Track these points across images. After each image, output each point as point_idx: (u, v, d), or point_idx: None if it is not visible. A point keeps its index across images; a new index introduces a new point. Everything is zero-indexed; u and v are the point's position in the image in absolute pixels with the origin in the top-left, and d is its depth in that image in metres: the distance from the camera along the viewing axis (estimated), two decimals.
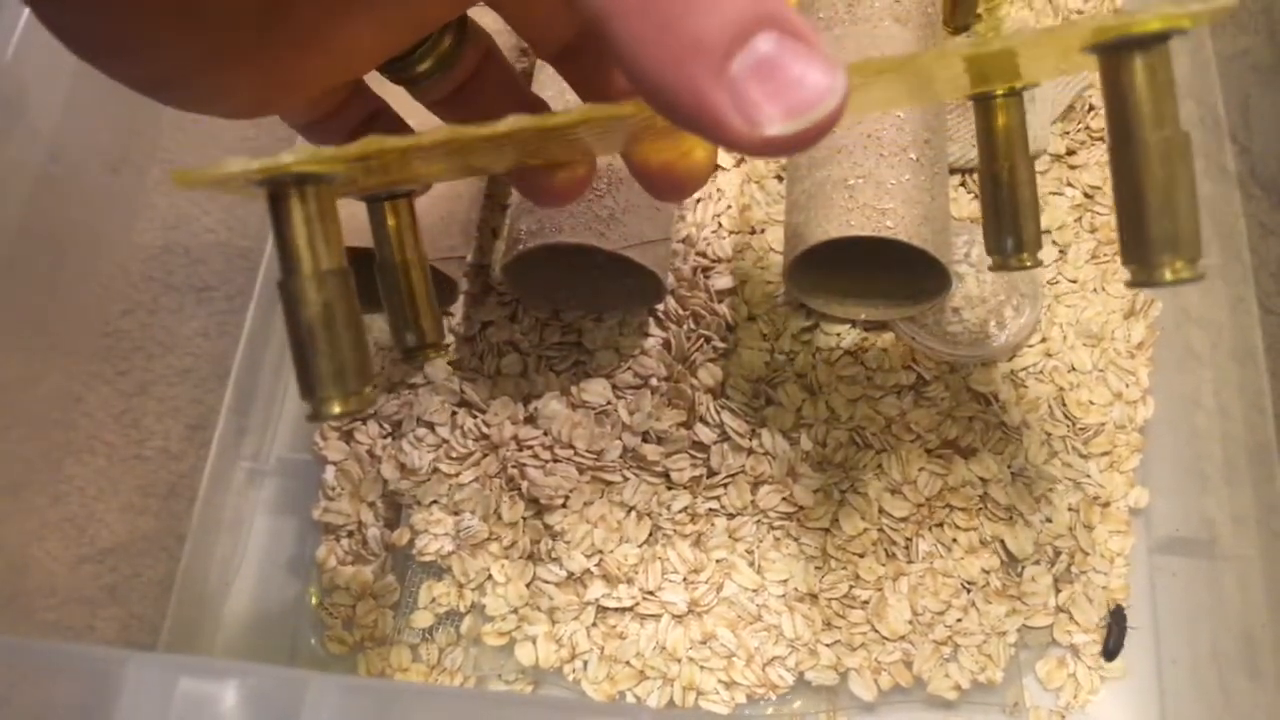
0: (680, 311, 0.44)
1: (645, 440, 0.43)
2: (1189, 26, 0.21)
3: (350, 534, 0.44)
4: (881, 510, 0.42)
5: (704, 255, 0.46)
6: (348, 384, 0.20)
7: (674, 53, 0.16)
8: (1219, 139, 0.47)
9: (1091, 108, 0.48)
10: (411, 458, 0.43)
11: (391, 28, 0.24)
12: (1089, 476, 0.42)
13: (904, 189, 0.39)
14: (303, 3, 0.21)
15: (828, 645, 0.40)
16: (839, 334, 0.44)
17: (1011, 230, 0.31)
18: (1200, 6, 0.20)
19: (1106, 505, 0.42)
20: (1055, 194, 0.47)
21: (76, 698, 0.27)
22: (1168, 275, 0.23)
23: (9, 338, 0.36)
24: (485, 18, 0.27)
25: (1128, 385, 0.44)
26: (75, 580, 0.39)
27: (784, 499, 0.42)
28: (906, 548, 0.41)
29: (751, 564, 0.42)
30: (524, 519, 0.43)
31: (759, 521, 0.42)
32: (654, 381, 0.44)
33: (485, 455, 0.44)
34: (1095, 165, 0.47)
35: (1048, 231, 0.46)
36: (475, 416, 0.44)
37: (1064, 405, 0.43)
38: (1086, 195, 0.47)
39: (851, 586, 0.41)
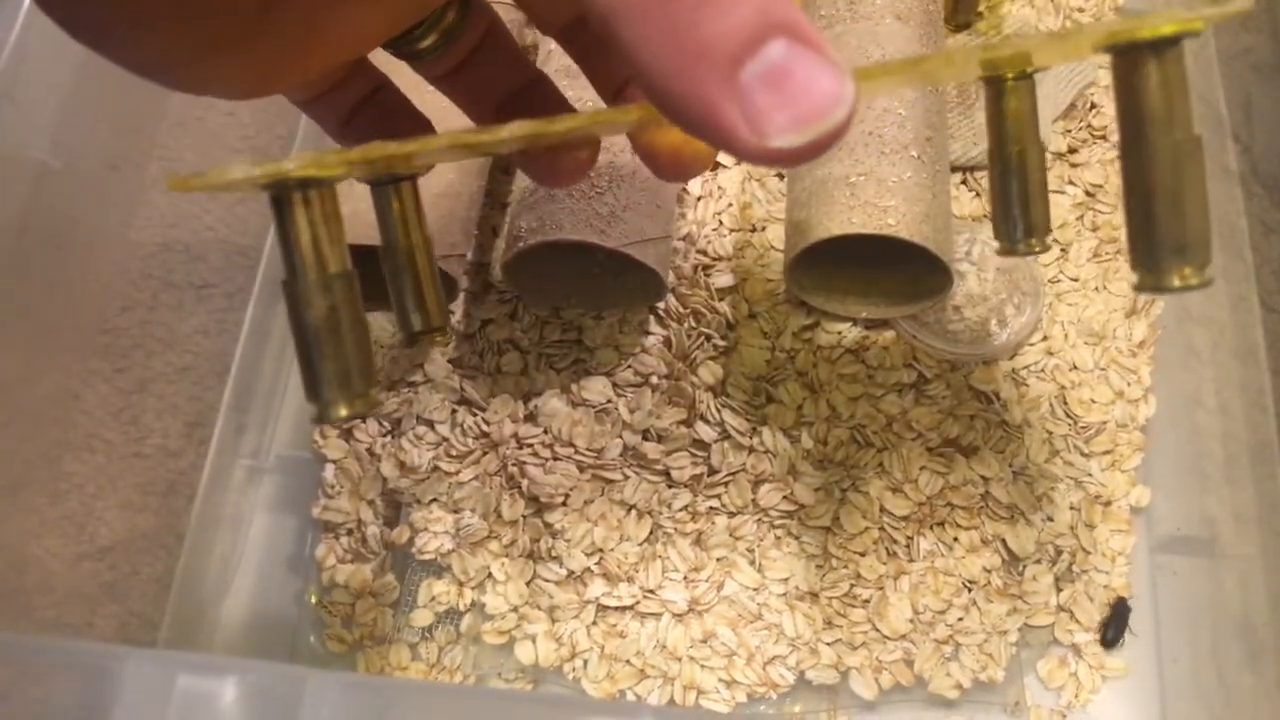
0: (681, 309, 0.44)
1: (646, 438, 0.43)
2: (1202, 29, 0.21)
3: (350, 532, 0.43)
4: (882, 509, 0.41)
5: (705, 253, 0.46)
6: (353, 386, 0.20)
7: (683, 58, 0.15)
8: (1221, 137, 0.47)
9: (1093, 106, 0.48)
10: (411, 456, 0.43)
11: (394, 9, 0.24)
12: (1090, 475, 0.42)
13: (905, 186, 0.39)
14: None
15: (828, 644, 0.40)
16: (840, 332, 0.44)
17: (1021, 215, 0.31)
18: (1214, 10, 0.20)
19: (1108, 504, 0.42)
20: (1057, 192, 0.47)
21: (76, 694, 0.27)
22: (1176, 282, 0.22)
23: (8, 335, 0.36)
24: None
25: (1129, 384, 0.43)
26: (74, 577, 0.39)
27: (785, 497, 0.42)
28: (907, 546, 0.41)
29: (752, 562, 0.42)
30: (524, 517, 0.43)
31: (760, 520, 0.42)
32: (654, 379, 0.44)
33: (485, 453, 0.44)
34: (1097, 164, 0.47)
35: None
36: (475, 414, 0.44)
37: (1065, 404, 0.43)
38: (1088, 194, 0.47)
39: (852, 585, 0.41)
